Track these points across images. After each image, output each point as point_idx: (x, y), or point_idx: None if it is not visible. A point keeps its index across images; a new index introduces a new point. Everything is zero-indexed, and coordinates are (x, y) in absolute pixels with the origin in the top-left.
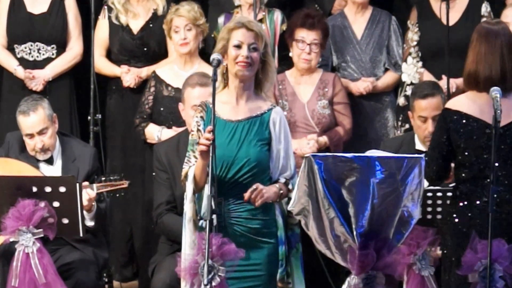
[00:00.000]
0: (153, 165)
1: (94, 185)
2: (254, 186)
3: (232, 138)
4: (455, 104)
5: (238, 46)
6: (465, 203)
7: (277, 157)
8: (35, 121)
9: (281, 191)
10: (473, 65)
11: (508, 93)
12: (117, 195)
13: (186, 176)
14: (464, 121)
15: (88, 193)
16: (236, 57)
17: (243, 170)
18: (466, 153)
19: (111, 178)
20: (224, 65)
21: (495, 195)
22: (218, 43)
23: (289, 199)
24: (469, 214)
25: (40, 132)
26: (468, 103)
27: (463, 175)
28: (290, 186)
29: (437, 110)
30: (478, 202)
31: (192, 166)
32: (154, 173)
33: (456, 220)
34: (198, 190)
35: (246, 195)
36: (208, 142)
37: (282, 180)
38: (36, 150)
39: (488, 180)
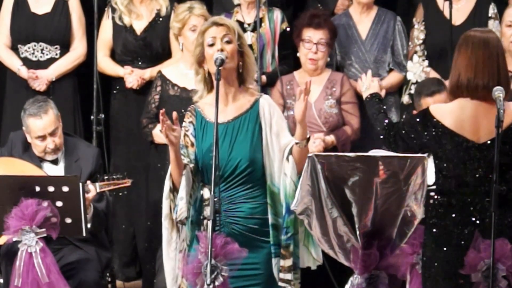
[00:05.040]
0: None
1: (97, 184)
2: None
3: (224, 141)
4: (438, 111)
5: (213, 44)
6: (441, 211)
7: (273, 142)
8: (47, 123)
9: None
10: (468, 72)
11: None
12: (120, 193)
13: None
14: (440, 134)
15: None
16: (213, 56)
17: (237, 171)
18: (445, 164)
19: (114, 177)
20: (205, 69)
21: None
22: (195, 50)
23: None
24: (443, 224)
25: (52, 133)
26: (451, 115)
27: (441, 184)
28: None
29: None
30: (453, 215)
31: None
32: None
33: (434, 230)
34: (176, 188)
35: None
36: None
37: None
38: (48, 151)
39: (465, 200)
